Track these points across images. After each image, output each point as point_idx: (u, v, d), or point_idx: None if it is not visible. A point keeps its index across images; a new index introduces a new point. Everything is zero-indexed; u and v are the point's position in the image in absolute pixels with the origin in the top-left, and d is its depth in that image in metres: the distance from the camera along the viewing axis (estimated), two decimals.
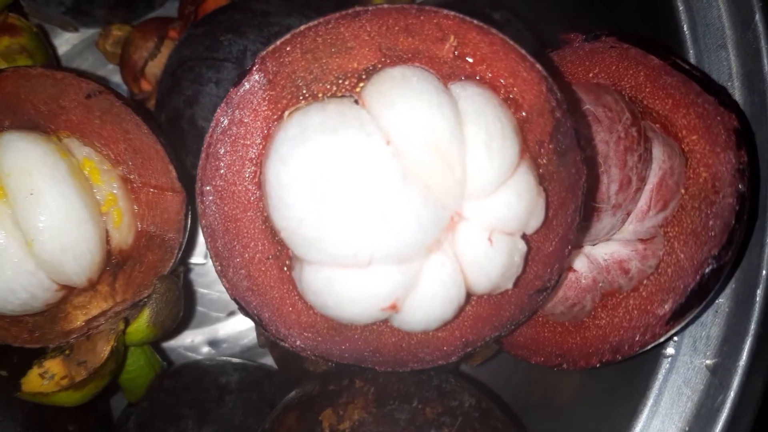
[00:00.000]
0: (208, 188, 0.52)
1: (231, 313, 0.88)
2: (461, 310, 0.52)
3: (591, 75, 0.61)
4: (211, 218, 0.52)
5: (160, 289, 0.61)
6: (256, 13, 0.65)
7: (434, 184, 0.45)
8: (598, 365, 0.56)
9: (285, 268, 0.54)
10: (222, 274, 0.53)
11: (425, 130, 0.45)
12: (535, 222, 0.50)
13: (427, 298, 0.48)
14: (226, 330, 0.87)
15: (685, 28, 0.65)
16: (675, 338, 0.63)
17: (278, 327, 0.55)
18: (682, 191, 0.56)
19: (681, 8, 0.65)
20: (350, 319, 0.50)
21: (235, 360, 0.74)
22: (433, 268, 0.47)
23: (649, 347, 0.54)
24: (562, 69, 0.63)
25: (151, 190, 0.63)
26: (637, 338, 0.54)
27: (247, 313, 0.54)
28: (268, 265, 0.54)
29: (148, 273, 0.63)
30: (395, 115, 0.45)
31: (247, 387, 0.70)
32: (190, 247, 0.86)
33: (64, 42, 0.90)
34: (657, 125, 0.58)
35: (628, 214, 0.62)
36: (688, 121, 0.55)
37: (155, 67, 0.73)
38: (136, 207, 0.63)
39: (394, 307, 0.48)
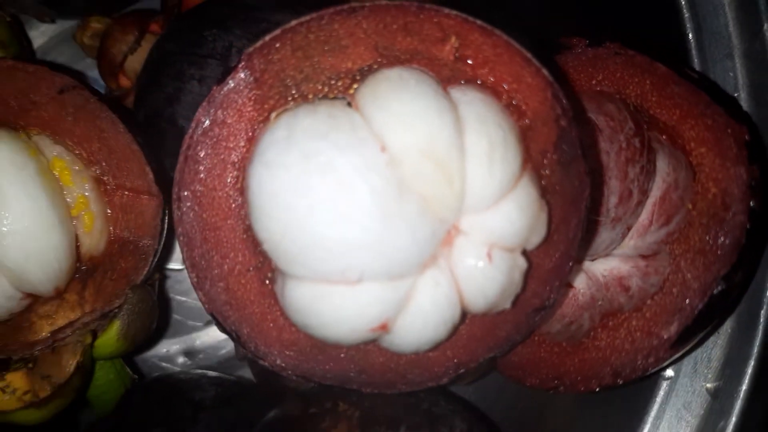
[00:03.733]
0: (185, 193, 0.48)
1: (209, 323, 0.83)
2: (455, 330, 0.49)
3: (594, 82, 0.59)
4: (188, 226, 0.48)
5: (132, 300, 0.57)
6: (243, 7, 0.61)
7: (431, 196, 0.42)
8: (597, 389, 0.53)
9: (267, 281, 0.50)
10: (198, 286, 0.49)
11: (423, 137, 0.41)
12: (537, 238, 0.47)
13: (419, 319, 0.45)
14: (203, 340, 0.83)
15: (691, 37, 0.63)
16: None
17: (257, 344, 0.51)
18: (690, 206, 0.53)
19: (687, 15, 0.63)
20: (336, 339, 0.46)
21: (211, 373, 0.70)
22: (427, 285, 0.44)
23: (651, 371, 0.52)
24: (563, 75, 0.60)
25: (126, 192, 0.59)
26: (639, 362, 0.51)
27: (224, 329, 0.51)
28: (248, 278, 0.50)
29: (120, 281, 0.59)
30: (391, 120, 0.42)
31: (223, 403, 0.66)
32: (166, 252, 0.82)
33: (40, 34, 0.86)
34: (663, 136, 0.55)
35: (629, 229, 0.59)
36: (696, 133, 0.53)
37: (135, 63, 0.69)
38: (109, 210, 0.59)
39: (384, 327, 0.45)
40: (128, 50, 0.67)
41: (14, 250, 0.52)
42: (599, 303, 0.59)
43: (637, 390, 0.61)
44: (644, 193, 0.58)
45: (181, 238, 0.48)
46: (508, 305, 0.47)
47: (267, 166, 0.43)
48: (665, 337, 0.50)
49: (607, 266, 0.59)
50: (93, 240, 0.58)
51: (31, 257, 0.53)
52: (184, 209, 0.48)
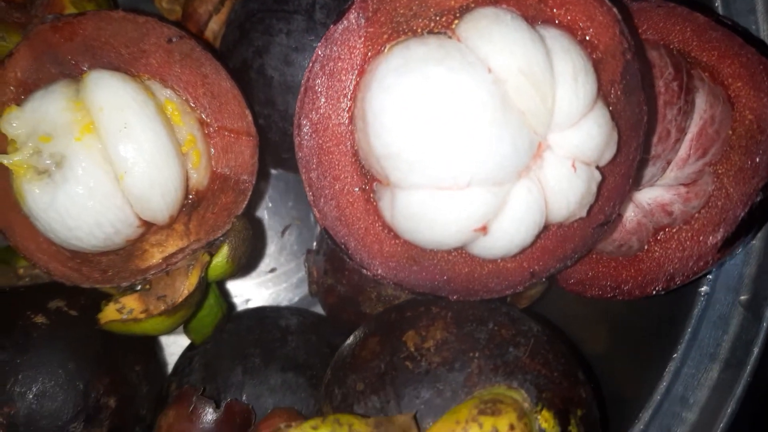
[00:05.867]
0: (305, 121, 0.55)
1: (272, 270, 0.90)
2: (535, 239, 0.57)
3: (639, 32, 0.67)
4: (307, 150, 0.56)
5: (237, 227, 0.64)
6: None
7: (528, 112, 0.50)
8: (653, 293, 0.61)
9: (371, 200, 0.58)
10: (314, 204, 0.57)
11: (522, 60, 0.49)
12: (609, 154, 0.54)
13: (513, 222, 0.52)
14: (268, 288, 0.90)
15: None
16: (710, 276, 0.68)
17: (362, 256, 0.58)
18: (730, 132, 0.61)
19: None
20: (440, 241, 0.53)
21: (290, 306, 0.77)
22: (522, 192, 0.52)
23: (701, 274, 0.60)
24: None
25: (227, 133, 0.65)
26: (690, 266, 0.59)
27: (335, 242, 0.58)
28: (355, 197, 0.58)
29: (221, 214, 0.65)
30: (494, 48, 0.49)
31: (306, 329, 0.73)
32: None
33: None
34: (705, 74, 0.63)
35: (669, 163, 0.67)
36: (733, 70, 0.61)
37: (214, 24, 0.76)
38: (212, 150, 0.65)
39: (484, 229, 0.52)
40: (214, 10, 0.74)
41: (141, 178, 0.58)
42: (646, 227, 0.67)
43: (676, 305, 0.70)
44: (681, 131, 0.66)
45: (300, 161, 0.56)
46: (584, 214, 0.55)
47: (386, 90, 0.50)
48: (712, 243, 0.59)
49: (652, 195, 0.67)
50: (199, 175, 0.65)
51: (155, 185, 0.59)
52: (304, 135, 0.55)
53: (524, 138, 0.50)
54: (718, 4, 0.71)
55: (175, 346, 0.81)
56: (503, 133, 0.49)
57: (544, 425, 0.52)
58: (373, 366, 0.56)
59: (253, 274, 0.90)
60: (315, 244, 0.80)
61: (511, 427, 0.50)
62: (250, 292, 0.90)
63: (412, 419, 0.51)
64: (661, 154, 0.66)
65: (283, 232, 0.90)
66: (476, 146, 0.49)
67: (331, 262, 0.75)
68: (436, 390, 0.53)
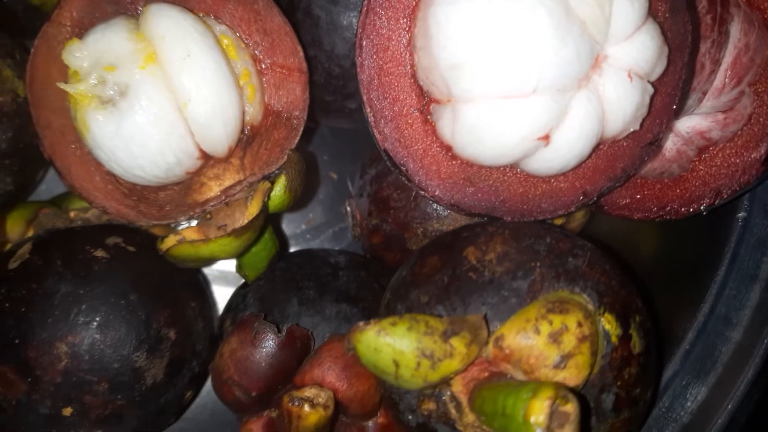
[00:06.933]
0: (366, 42, 0.57)
1: (309, 222, 0.92)
2: (589, 155, 0.59)
3: None
4: (368, 71, 0.57)
5: (293, 158, 0.65)
6: None
7: (589, 20, 0.52)
8: (701, 209, 0.63)
9: (429, 121, 0.59)
10: (374, 125, 0.58)
11: None
12: (660, 68, 0.57)
13: (574, 131, 0.55)
14: (306, 240, 0.92)
15: None
16: (746, 203, 0.71)
17: (420, 177, 0.60)
18: None
19: None
20: (503, 153, 0.55)
21: (336, 248, 0.79)
22: (582, 101, 0.54)
23: (748, 188, 0.62)
24: None
25: (279, 69, 0.67)
26: (737, 179, 0.61)
27: (394, 164, 0.60)
28: (413, 118, 0.59)
29: (274, 149, 0.67)
30: None
31: (355, 266, 0.74)
32: None
33: None
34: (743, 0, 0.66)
35: (704, 94, 0.70)
36: None
37: None
38: (265, 85, 0.67)
39: (546, 138, 0.54)
40: None
41: (204, 107, 0.60)
42: (686, 154, 0.69)
43: (714, 231, 0.72)
44: (716, 63, 0.69)
45: (362, 81, 0.57)
46: (637, 126, 0.57)
47: (452, 3, 0.52)
48: (757, 156, 0.61)
49: (690, 123, 0.70)
50: (254, 110, 0.66)
51: (217, 113, 0.61)
52: (365, 56, 0.57)
53: (586, 45, 0.52)
54: None
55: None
56: (567, 39, 0.51)
57: (607, 327, 0.54)
58: (435, 279, 0.57)
59: (291, 227, 0.92)
60: (356, 188, 0.81)
61: (579, 324, 0.52)
62: (287, 245, 0.92)
63: (482, 318, 0.52)
64: (696, 86, 0.68)
65: (319, 185, 0.91)
66: (542, 52, 0.51)
67: (375, 203, 0.77)
68: (501, 296, 0.55)
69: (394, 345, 0.50)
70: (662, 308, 0.71)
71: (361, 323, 0.50)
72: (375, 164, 0.76)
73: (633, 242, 0.78)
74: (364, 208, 0.79)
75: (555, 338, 0.51)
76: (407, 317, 0.50)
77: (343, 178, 0.93)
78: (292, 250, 0.91)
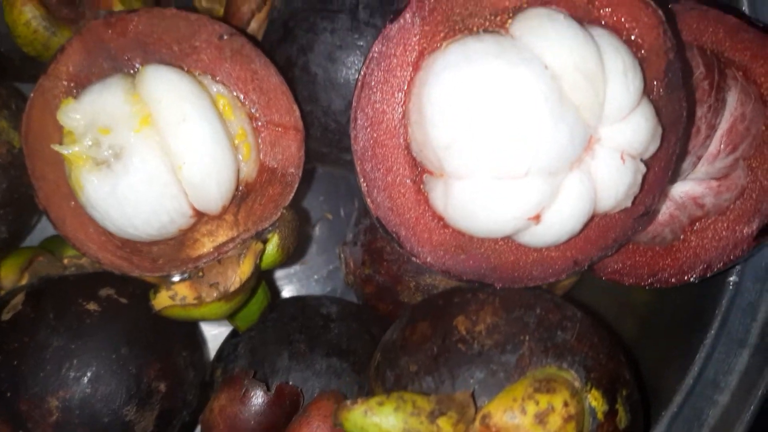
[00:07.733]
0: (360, 116, 0.57)
1: (302, 263, 0.93)
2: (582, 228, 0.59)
3: None
4: (362, 143, 0.58)
5: (286, 217, 0.66)
6: None
7: (582, 105, 0.52)
8: (691, 280, 0.64)
9: (421, 191, 0.60)
10: (368, 194, 0.59)
11: (577, 56, 0.51)
12: (653, 147, 0.57)
13: (564, 211, 0.55)
14: (300, 280, 0.92)
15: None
16: (738, 266, 0.71)
17: (412, 244, 0.61)
18: (763, 128, 0.64)
19: None
20: (494, 228, 0.56)
21: (329, 296, 0.79)
22: (574, 182, 0.54)
23: (737, 262, 0.63)
24: None
25: (275, 127, 0.67)
26: (727, 254, 0.62)
27: (386, 232, 0.60)
28: (406, 188, 0.60)
29: (268, 205, 0.67)
30: (551, 44, 0.52)
31: (347, 317, 0.75)
32: None
33: None
34: (739, 72, 0.66)
35: (699, 159, 0.70)
36: (765, 70, 0.64)
37: (254, 23, 0.78)
38: (260, 143, 0.67)
39: (537, 218, 0.55)
40: (256, 9, 0.76)
41: (199, 169, 0.60)
42: (678, 219, 0.70)
43: (705, 294, 0.73)
44: (712, 128, 0.69)
45: (356, 153, 0.58)
46: (629, 204, 0.58)
47: (447, 82, 0.52)
48: (748, 232, 0.62)
49: (683, 189, 0.70)
50: (249, 168, 0.67)
51: (211, 175, 0.61)
52: (359, 129, 0.57)
53: (579, 130, 0.52)
54: (744, 7, 0.74)
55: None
56: (561, 125, 0.51)
57: (593, 403, 0.55)
58: (425, 348, 0.58)
59: (284, 267, 0.92)
60: (350, 235, 0.82)
61: (566, 404, 0.52)
62: (280, 284, 0.92)
63: (470, 396, 0.53)
64: (692, 150, 0.69)
65: (314, 226, 0.92)
66: (536, 137, 0.51)
67: (369, 253, 0.77)
68: (489, 370, 0.55)
69: (380, 425, 0.50)
70: (650, 369, 0.72)
71: (348, 402, 0.50)
72: (369, 215, 0.76)
73: (623, 299, 0.79)
74: (357, 256, 0.79)
75: (541, 419, 0.52)
76: (395, 396, 0.51)
77: (338, 218, 0.93)
78: (285, 289, 0.92)
